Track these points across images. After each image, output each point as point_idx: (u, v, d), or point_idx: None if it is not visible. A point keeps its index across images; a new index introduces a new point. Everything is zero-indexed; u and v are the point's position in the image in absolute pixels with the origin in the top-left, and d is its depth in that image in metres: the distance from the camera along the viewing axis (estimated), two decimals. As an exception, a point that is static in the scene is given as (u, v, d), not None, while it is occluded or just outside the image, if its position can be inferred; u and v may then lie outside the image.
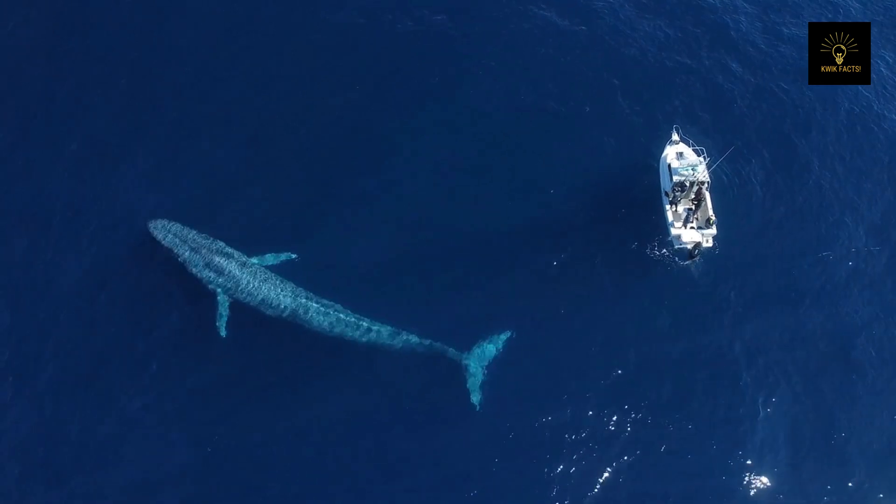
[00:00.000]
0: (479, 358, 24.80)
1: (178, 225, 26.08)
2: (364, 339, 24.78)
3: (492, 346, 25.10)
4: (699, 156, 27.86)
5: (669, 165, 27.85)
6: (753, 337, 26.29)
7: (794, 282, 27.57)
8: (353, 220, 27.93)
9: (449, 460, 23.99)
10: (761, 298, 27.03)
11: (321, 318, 24.73)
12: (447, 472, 23.82)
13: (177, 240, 25.60)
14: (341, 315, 24.84)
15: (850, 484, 23.96)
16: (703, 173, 27.38)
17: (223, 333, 24.77)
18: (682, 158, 27.87)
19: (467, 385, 24.42)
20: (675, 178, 27.40)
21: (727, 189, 29.11)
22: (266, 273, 25.44)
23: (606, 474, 23.70)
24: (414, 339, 24.80)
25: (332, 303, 25.14)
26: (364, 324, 24.73)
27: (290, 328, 25.05)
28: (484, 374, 24.64)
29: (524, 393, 24.96)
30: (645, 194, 28.65)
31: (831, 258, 28.04)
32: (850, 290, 27.62)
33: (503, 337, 25.25)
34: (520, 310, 26.34)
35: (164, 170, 28.68)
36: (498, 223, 28.13)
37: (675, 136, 28.68)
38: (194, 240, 25.60)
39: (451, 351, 24.73)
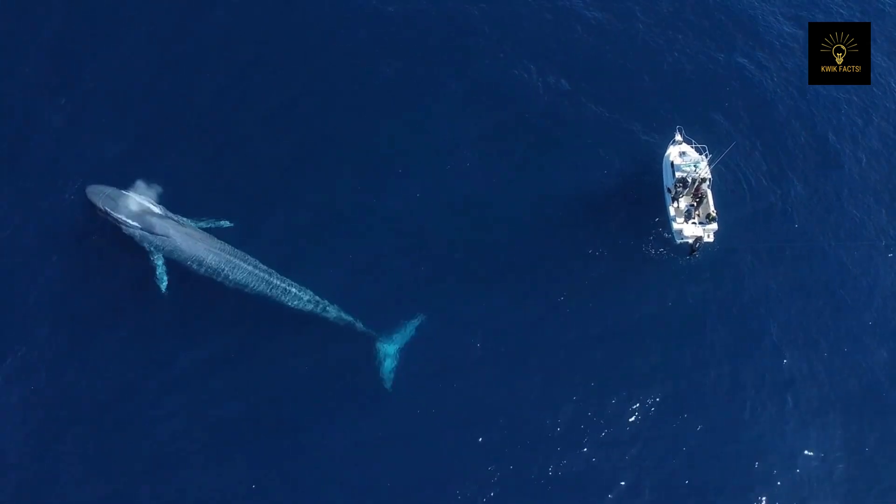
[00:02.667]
0: (395, 341, 25.88)
1: (115, 189, 26.82)
2: (286, 302, 25.85)
3: (408, 330, 26.11)
4: (701, 154, 28.74)
5: (672, 163, 28.71)
6: (749, 333, 27.27)
7: (793, 277, 28.54)
8: (310, 197, 28.73)
9: (358, 439, 24.83)
10: (760, 295, 28.02)
11: (248, 277, 25.84)
12: (356, 451, 24.66)
13: (113, 202, 26.42)
14: (267, 276, 25.91)
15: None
16: (704, 170, 28.24)
17: (163, 289, 26.00)
18: (685, 156, 28.77)
19: (381, 366, 25.50)
20: (678, 175, 28.25)
21: (730, 186, 29.95)
22: (200, 234, 26.48)
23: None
24: (335, 311, 25.92)
25: (260, 264, 26.18)
26: (286, 286, 25.87)
27: (225, 288, 26.11)
28: (398, 356, 25.65)
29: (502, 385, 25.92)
30: (646, 192, 29.45)
31: (831, 252, 29.05)
32: (857, 281, 28.71)
33: (416, 322, 26.18)
34: (507, 299, 27.35)
35: (105, 136, 29.22)
36: (496, 218, 29.00)
37: (678, 136, 29.47)
38: (131, 202, 26.43)
39: (373, 332, 25.84)
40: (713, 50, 33.45)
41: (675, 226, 28.04)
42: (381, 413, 25.19)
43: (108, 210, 26.38)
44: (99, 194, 26.68)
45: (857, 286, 28.58)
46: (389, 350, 25.77)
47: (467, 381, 25.84)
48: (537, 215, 29.25)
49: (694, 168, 28.25)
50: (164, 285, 26.09)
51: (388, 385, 25.41)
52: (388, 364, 25.61)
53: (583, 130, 30.93)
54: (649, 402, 25.79)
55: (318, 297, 26.07)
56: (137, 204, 26.44)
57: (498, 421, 25.34)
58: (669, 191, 28.66)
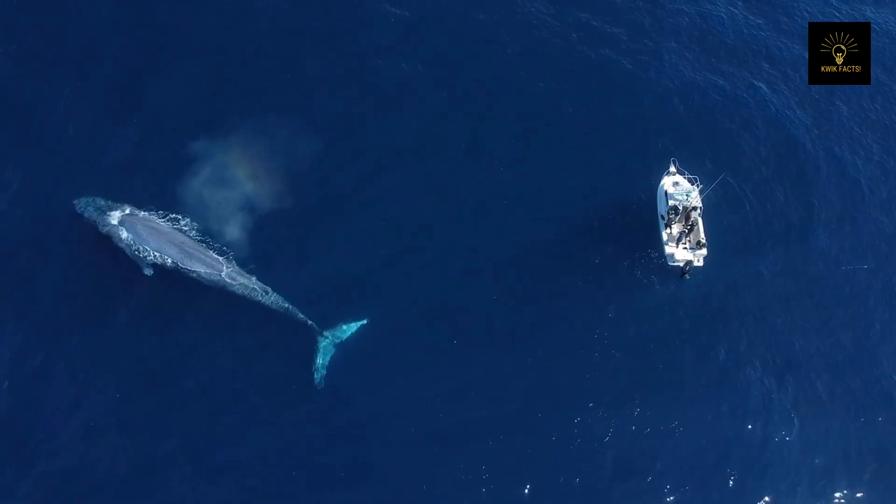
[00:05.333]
0: (335, 337, 28.39)
1: (100, 199, 30.43)
2: (237, 291, 28.75)
3: (349, 327, 28.60)
4: (693, 184, 30.89)
5: (666, 192, 30.98)
6: (733, 348, 29.59)
7: (776, 300, 30.94)
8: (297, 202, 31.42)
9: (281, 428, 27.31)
10: (747, 314, 30.36)
11: (206, 270, 28.97)
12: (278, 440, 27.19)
13: (95, 210, 30.13)
14: (222, 269, 28.93)
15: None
16: (696, 199, 30.50)
17: (149, 273, 29.30)
18: (678, 186, 30.94)
19: (315, 359, 27.96)
20: (671, 203, 30.55)
21: (720, 214, 32.15)
22: (166, 230, 29.76)
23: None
24: (281, 302, 28.65)
25: (218, 257, 29.25)
26: (239, 278, 28.82)
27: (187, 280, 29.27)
28: (332, 352, 28.10)
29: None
30: (642, 217, 31.75)
31: (814, 276, 31.33)
32: (833, 306, 30.85)
33: (360, 322, 28.68)
34: (492, 318, 29.65)
35: (89, 150, 32.37)
36: (489, 238, 31.35)
37: (672, 168, 31.68)
38: (111, 209, 30.06)
39: (316, 326, 28.34)
40: (716, 80, 35.54)
41: (668, 250, 30.40)
42: (308, 406, 27.60)
43: (92, 217, 30.09)
44: (85, 204, 30.40)
45: (842, 310, 30.72)
46: (327, 345, 28.18)
47: (434, 389, 28.02)
48: (531, 232, 31.66)
49: (686, 197, 30.49)
50: (148, 269, 29.34)
51: (318, 379, 27.75)
52: (324, 359, 27.98)
53: (582, 155, 33.32)
54: (634, 416, 28.31)
55: (266, 288, 28.88)
56: (116, 208, 30.01)
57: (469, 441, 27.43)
58: (663, 217, 31.00)
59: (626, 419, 28.10)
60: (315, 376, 27.99)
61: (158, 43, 35.33)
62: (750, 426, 28.22)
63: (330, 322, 28.70)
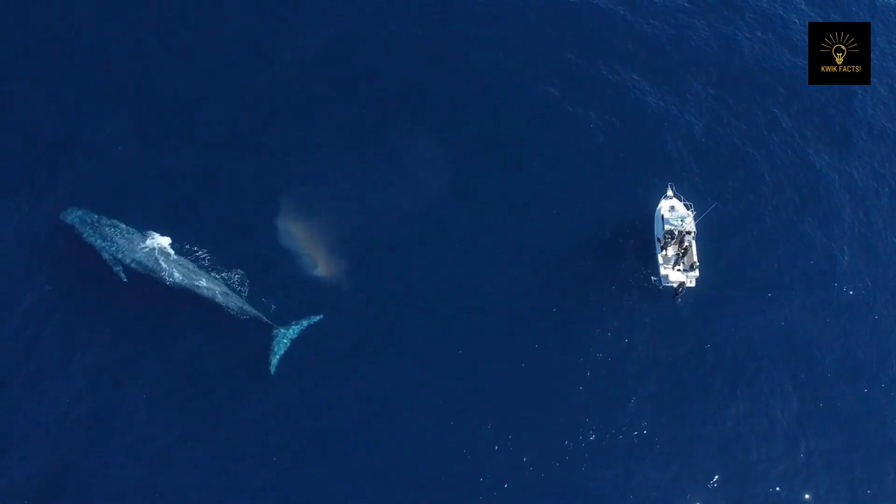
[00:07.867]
0: (292, 331, 30.40)
1: (85, 211, 32.42)
2: (200, 293, 30.78)
3: (304, 323, 30.60)
4: (688, 210, 31.92)
5: (662, 216, 32.17)
6: (723, 362, 31.24)
7: (765, 319, 32.51)
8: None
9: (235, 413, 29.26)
10: (737, 331, 32.01)
11: (179, 275, 31.07)
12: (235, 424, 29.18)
13: (79, 220, 32.24)
14: (186, 270, 31.20)
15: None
16: (690, 224, 31.65)
17: (124, 279, 31.33)
18: (674, 211, 32.15)
19: (270, 352, 29.98)
20: (667, 227, 31.85)
21: (712, 239, 33.52)
22: (144, 241, 31.88)
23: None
24: (241, 301, 30.79)
25: (186, 262, 31.54)
26: (200, 278, 30.96)
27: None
28: (287, 344, 30.09)
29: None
30: (639, 239, 33.34)
31: (802, 297, 32.93)
32: (822, 324, 32.57)
33: (315, 318, 30.66)
34: (487, 333, 31.35)
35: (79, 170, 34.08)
36: (486, 257, 32.89)
37: (669, 192, 33.20)
38: (95, 221, 32.16)
39: (272, 322, 30.39)
40: (710, 114, 37.12)
41: (663, 271, 32.03)
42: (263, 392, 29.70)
43: (77, 227, 32.21)
44: (71, 215, 32.51)
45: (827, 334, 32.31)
46: (284, 339, 30.22)
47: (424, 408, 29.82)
48: (535, 252, 33.25)
49: (680, 222, 31.66)
50: (122, 275, 31.33)
51: (273, 369, 29.80)
52: (279, 351, 29.99)
53: (585, 178, 34.87)
54: (627, 430, 30.00)
55: (228, 290, 31.00)
56: (100, 222, 32.09)
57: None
58: (659, 240, 32.25)
59: (621, 431, 29.93)
60: (270, 367, 29.83)
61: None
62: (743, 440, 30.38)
63: (286, 318, 30.53)
